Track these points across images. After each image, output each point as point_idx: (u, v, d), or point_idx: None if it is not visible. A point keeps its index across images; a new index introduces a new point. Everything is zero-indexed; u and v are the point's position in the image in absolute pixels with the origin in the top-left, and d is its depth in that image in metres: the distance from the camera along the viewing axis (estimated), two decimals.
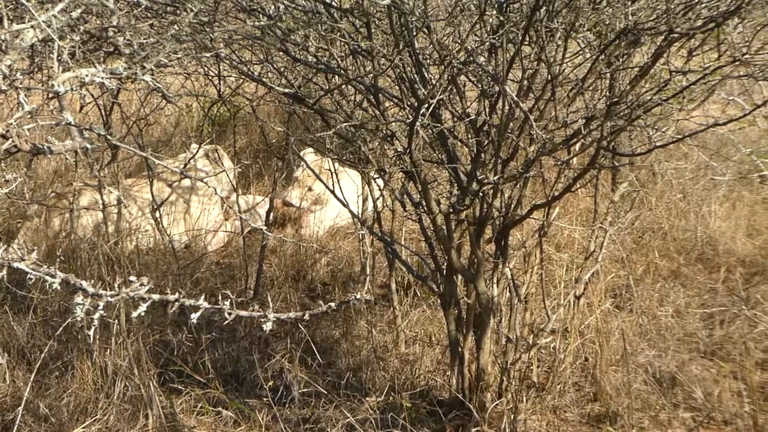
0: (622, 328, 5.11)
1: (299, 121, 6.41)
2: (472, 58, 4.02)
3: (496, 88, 4.01)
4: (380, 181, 5.58)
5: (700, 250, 6.77)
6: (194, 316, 2.14)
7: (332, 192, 5.27)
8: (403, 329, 5.48)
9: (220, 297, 2.24)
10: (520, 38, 3.83)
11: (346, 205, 5.13)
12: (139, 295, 1.95)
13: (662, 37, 3.89)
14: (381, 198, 5.74)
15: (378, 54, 4.01)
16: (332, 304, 2.44)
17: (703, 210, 7.11)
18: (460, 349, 4.56)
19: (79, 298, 1.93)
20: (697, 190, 7.51)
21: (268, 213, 6.47)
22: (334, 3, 4.00)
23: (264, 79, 4.53)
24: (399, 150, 4.17)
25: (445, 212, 4.29)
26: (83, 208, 6.81)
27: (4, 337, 5.22)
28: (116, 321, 4.74)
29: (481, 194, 4.22)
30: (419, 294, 5.84)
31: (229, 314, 2.23)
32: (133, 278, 1.99)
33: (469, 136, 4.27)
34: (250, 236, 7.01)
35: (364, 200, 6.37)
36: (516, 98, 3.86)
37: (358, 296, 2.49)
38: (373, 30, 4.00)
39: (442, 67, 3.87)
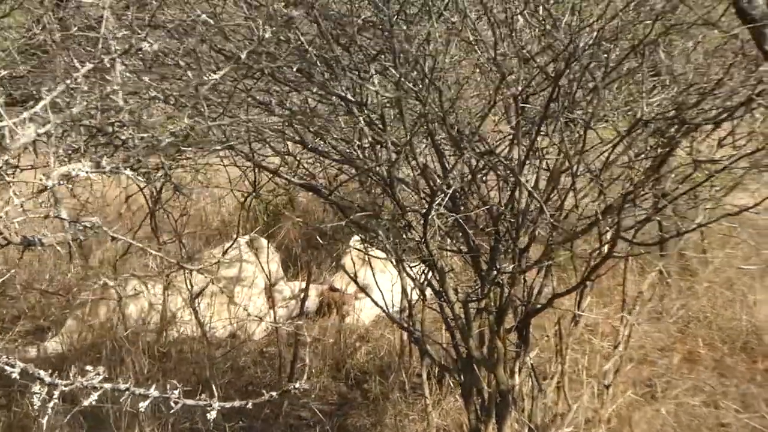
0: (650, 418, 5.03)
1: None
2: (488, 149, 4.08)
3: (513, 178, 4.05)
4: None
5: (745, 339, 6.66)
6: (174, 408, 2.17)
7: (372, 287, 5.26)
8: (435, 418, 5.45)
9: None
10: (535, 132, 3.89)
11: (375, 303, 5.15)
12: (92, 384, 2.00)
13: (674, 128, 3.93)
14: (412, 287, 5.76)
15: (392, 144, 4.05)
16: None
17: (749, 299, 7.01)
18: None
19: (36, 387, 1.99)
20: (744, 280, 7.39)
21: (302, 302, 6.49)
22: (349, 96, 4.06)
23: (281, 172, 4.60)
24: (416, 239, 4.20)
25: (463, 301, 4.30)
26: (130, 296, 6.91)
27: None
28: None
29: (499, 283, 4.22)
30: (451, 383, 5.81)
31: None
32: (89, 367, 2.04)
33: (487, 225, 4.29)
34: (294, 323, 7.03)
35: (402, 290, 6.39)
36: (532, 189, 3.89)
37: None
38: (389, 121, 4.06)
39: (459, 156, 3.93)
